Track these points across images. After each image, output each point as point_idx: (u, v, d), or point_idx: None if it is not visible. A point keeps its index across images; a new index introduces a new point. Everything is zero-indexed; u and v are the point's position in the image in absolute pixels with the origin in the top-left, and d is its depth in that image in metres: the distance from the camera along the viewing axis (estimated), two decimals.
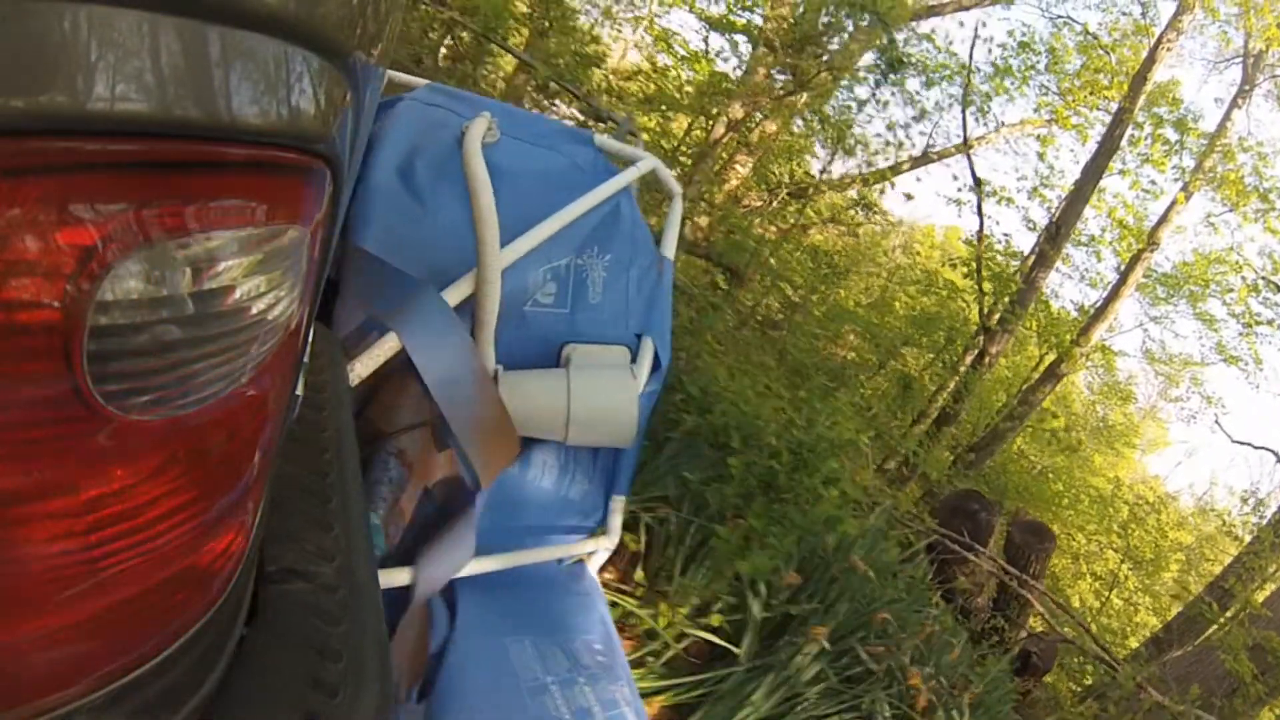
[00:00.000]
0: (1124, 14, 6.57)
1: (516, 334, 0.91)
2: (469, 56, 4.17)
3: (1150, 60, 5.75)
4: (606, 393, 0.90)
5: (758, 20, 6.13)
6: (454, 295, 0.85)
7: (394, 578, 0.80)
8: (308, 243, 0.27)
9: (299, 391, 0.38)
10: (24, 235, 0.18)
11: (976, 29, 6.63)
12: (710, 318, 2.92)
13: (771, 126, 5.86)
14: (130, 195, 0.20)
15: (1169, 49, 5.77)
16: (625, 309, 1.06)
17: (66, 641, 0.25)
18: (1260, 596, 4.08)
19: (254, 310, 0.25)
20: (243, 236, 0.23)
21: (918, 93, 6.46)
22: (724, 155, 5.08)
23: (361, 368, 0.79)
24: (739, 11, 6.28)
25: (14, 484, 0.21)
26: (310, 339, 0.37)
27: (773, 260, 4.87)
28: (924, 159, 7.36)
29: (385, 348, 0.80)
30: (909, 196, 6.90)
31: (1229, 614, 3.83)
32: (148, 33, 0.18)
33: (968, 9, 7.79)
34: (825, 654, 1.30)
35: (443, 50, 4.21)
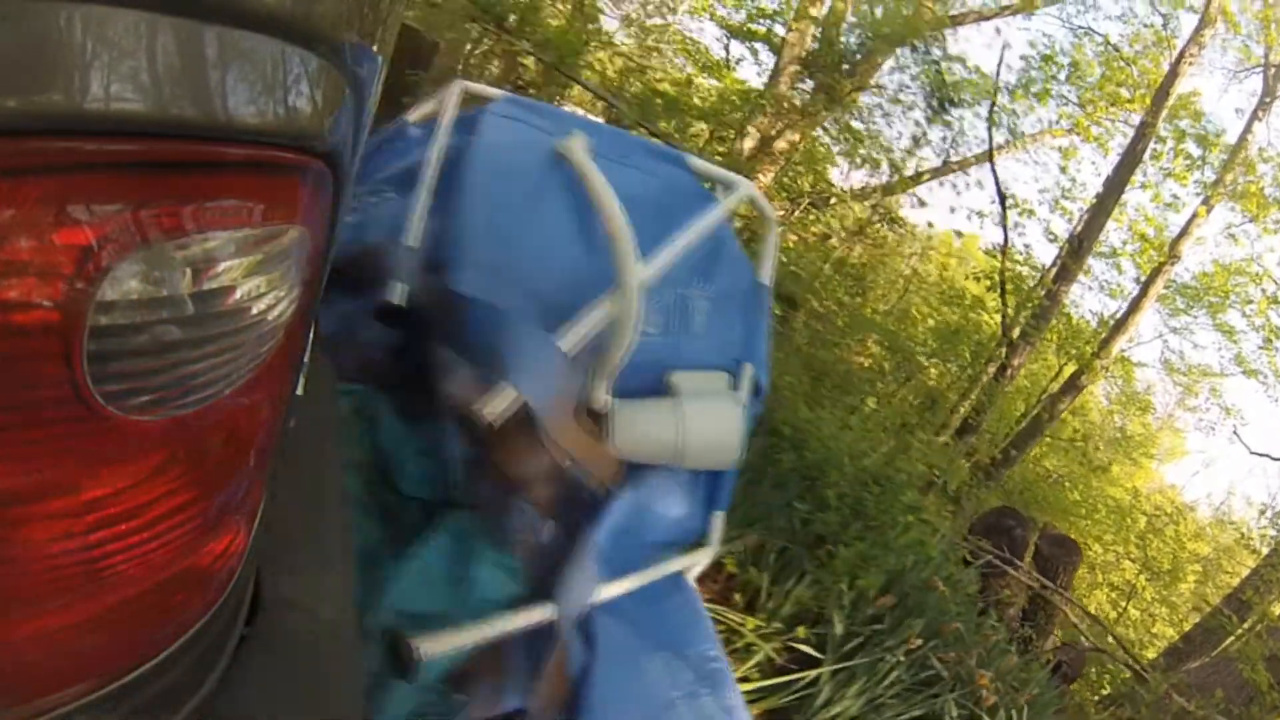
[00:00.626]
0: (1145, 25, 6.63)
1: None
2: (534, 85, 4.24)
3: (1172, 74, 5.83)
4: (716, 421, 0.94)
5: (778, 29, 6.41)
6: (579, 332, 0.85)
7: (537, 614, 0.84)
8: (308, 243, 0.26)
9: (299, 392, 0.38)
10: (24, 235, 0.18)
11: (1003, 51, 6.76)
12: (783, 349, 3.05)
13: (794, 136, 5.99)
14: (129, 195, 0.20)
15: (1190, 63, 5.83)
16: (726, 336, 1.08)
17: (66, 641, 0.25)
18: (1278, 609, 4.16)
19: (254, 310, 0.25)
20: (242, 237, 0.23)
21: (948, 116, 6.64)
22: (752, 166, 5.22)
23: (489, 417, 0.80)
24: (760, 20, 6.46)
25: (14, 484, 0.21)
26: (310, 340, 0.37)
27: (799, 271, 4.96)
28: (944, 169, 7.42)
29: (507, 399, 0.81)
30: (922, 203, 6.99)
31: (1246, 626, 3.89)
32: (145, 33, 0.18)
33: (988, 19, 7.83)
34: (901, 662, 1.46)
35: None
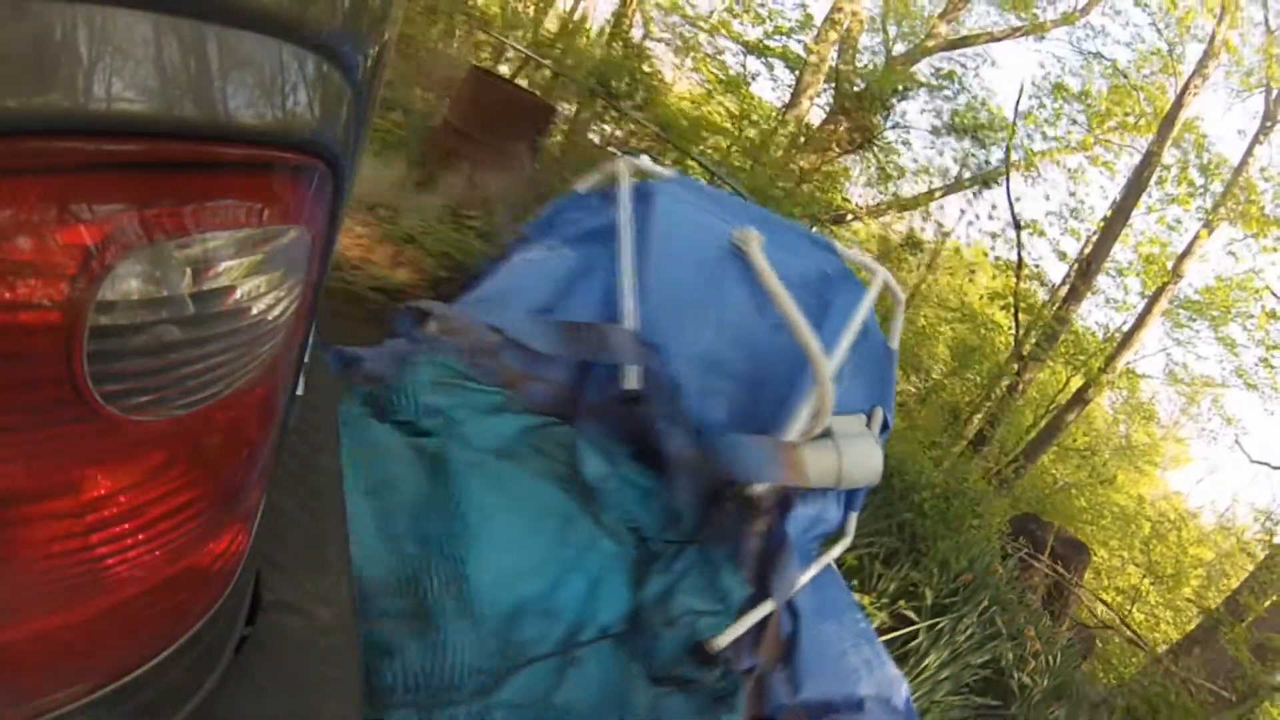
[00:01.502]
0: (1151, 52, 6.99)
1: None
2: (646, 150, 4.67)
3: (1177, 105, 6.25)
4: (864, 454, 1.30)
5: (795, 47, 6.82)
6: (796, 427, 1.24)
7: (767, 605, 1.18)
8: (308, 243, 0.26)
9: (299, 391, 0.38)
10: (24, 235, 0.18)
11: (1020, 90, 7.51)
12: None
13: (814, 157, 6.31)
14: (130, 196, 0.20)
15: (1195, 94, 6.24)
16: (864, 388, 1.45)
17: (66, 641, 0.25)
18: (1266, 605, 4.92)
19: (254, 310, 0.25)
20: (242, 237, 0.23)
21: (969, 153, 7.23)
22: (775, 183, 5.62)
23: (757, 494, 1.22)
24: (776, 37, 6.88)
25: (14, 484, 0.21)
26: (310, 340, 0.37)
27: None
28: (957, 185, 7.71)
29: (763, 487, 1.22)
30: (929, 216, 7.34)
31: (1243, 624, 4.37)
32: (146, 33, 0.18)
33: (999, 40, 8.10)
34: (974, 622, 2.16)
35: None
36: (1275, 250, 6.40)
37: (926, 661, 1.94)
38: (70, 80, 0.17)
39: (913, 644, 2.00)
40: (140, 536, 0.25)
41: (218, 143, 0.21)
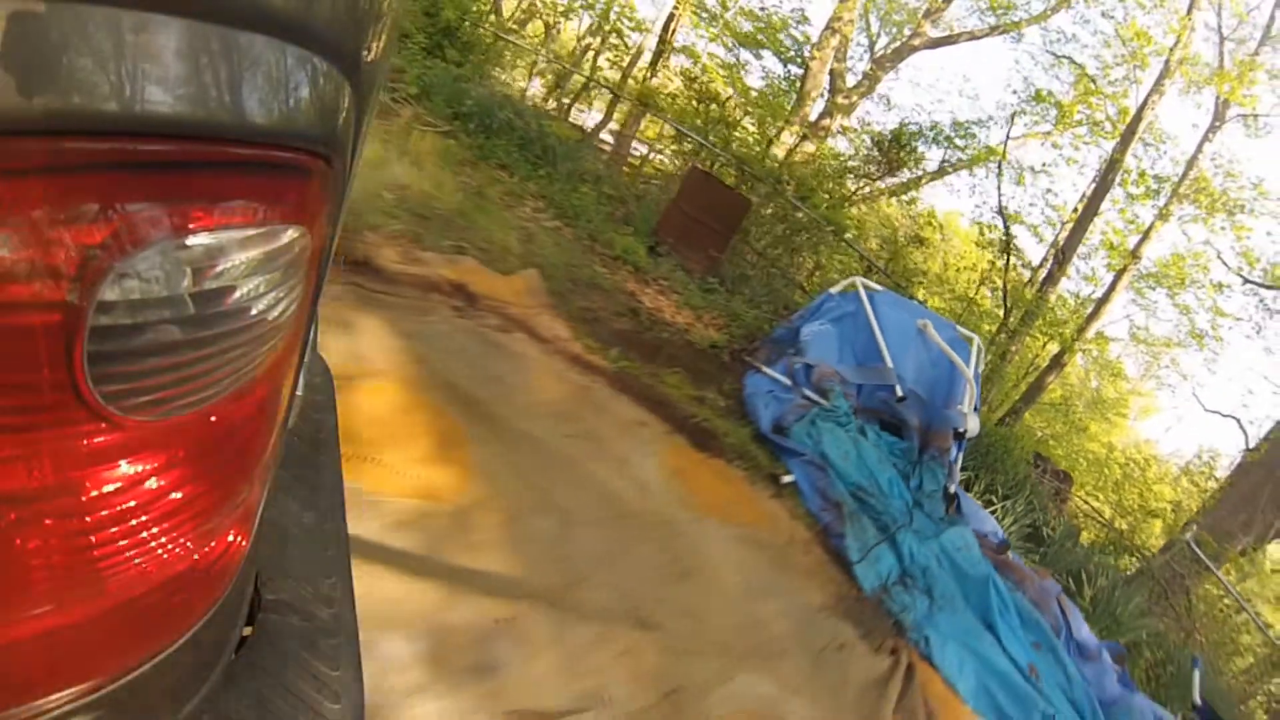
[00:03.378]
0: (1117, 63, 8.39)
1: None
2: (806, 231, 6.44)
3: (1137, 118, 7.74)
4: (978, 419, 3.26)
5: (784, 39, 7.75)
6: (972, 423, 3.14)
7: (950, 487, 3.01)
8: (308, 243, 0.26)
9: (299, 392, 0.38)
10: (24, 235, 0.18)
11: (1009, 123, 8.50)
12: None
13: (811, 148, 7.41)
14: (130, 195, 0.19)
15: (1153, 108, 7.71)
16: (949, 401, 3.21)
17: (67, 641, 0.25)
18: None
19: (254, 310, 0.24)
20: (243, 236, 0.23)
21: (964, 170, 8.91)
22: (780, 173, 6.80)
23: (971, 432, 3.22)
24: (768, 33, 8.18)
25: (14, 484, 0.21)
26: (311, 340, 0.37)
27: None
28: (940, 172, 9.02)
29: (973, 427, 3.20)
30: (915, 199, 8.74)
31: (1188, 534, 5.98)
32: (148, 33, 0.18)
33: (979, 39, 9.10)
34: (1022, 505, 4.24)
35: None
36: (1224, 230, 8.02)
37: (1004, 521, 3.87)
38: (70, 80, 0.17)
39: (994, 512, 3.89)
40: (140, 536, 0.25)
41: (218, 142, 0.21)
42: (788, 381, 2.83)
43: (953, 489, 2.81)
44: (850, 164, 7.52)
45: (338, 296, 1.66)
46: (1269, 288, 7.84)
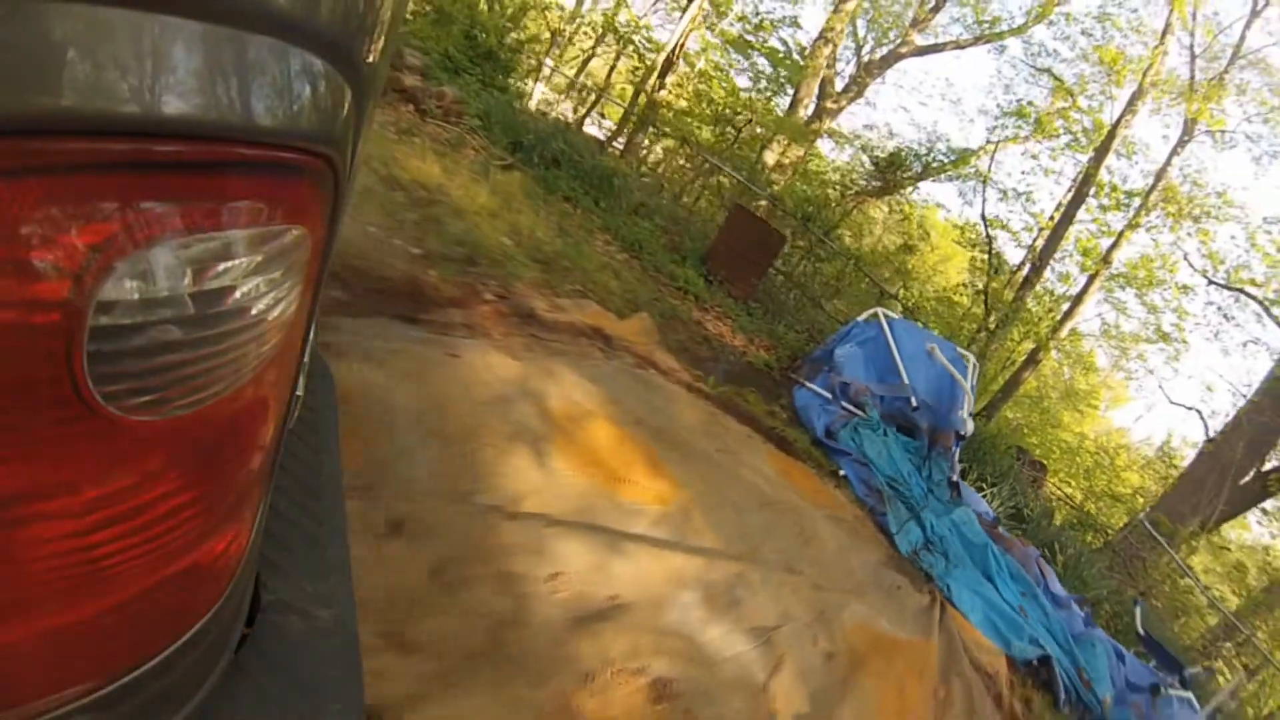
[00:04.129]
0: (1092, 81, 9.41)
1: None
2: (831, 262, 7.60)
3: (1111, 135, 8.58)
4: (970, 420, 4.15)
5: (776, 44, 8.20)
6: (967, 424, 4.02)
7: (953, 476, 3.86)
8: (308, 243, 0.26)
9: (299, 392, 0.38)
10: (24, 235, 0.18)
11: (992, 158, 9.33)
12: None
13: (799, 152, 7.86)
14: (131, 195, 0.19)
15: (1126, 126, 8.55)
16: (952, 409, 4.03)
17: (66, 641, 0.25)
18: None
19: (254, 310, 0.24)
20: (243, 237, 0.23)
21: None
22: (768, 177, 7.68)
23: (967, 431, 4.13)
24: (757, 34, 8.79)
25: (14, 484, 0.21)
26: (311, 340, 0.37)
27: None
28: (924, 174, 9.76)
29: (968, 428, 4.17)
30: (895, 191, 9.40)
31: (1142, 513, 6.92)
32: (148, 34, 0.18)
33: (964, 48, 9.64)
34: (1008, 489, 4.94)
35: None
36: (1190, 236, 8.91)
37: (993, 503, 4.44)
38: (71, 80, 0.17)
39: (985, 496, 4.49)
40: (140, 536, 0.25)
41: (219, 143, 0.21)
42: (829, 396, 3.64)
43: (954, 478, 3.69)
44: (852, 179, 8.55)
45: (530, 347, 2.15)
46: (1230, 289, 8.62)
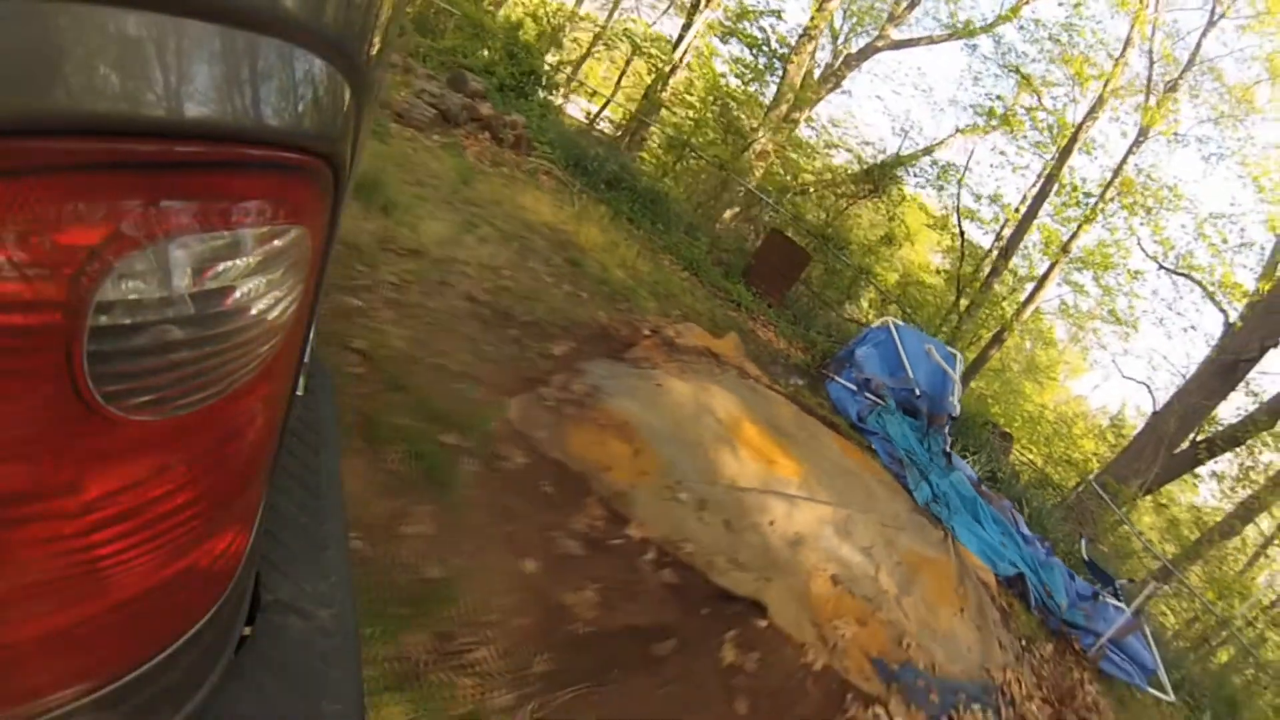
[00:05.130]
0: (1059, 84, 10.22)
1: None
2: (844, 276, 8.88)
3: (1073, 141, 9.44)
4: (959, 403, 5.32)
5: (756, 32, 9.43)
6: (956, 405, 5.11)
7: (946, 449, 5.03)
8: (308, 243, 0.26)
9: (299, 392, 0.37)
10: (24, 235, 0.18)
11: (970, 156, 10.60)
12: None
13: (781, 138, 8.23)
14: (130, 195, 0.19)
15: (1087, 131, 9.37)
16: (945, 396, 5.12)
17: (66, 641, 0.25)
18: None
19: (254, 310, 0.24)
20: (243, 236, 0.23)
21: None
22: (751, 164, 8.31)
23: (955, 412, 5.33)
24: (742, 23, 9.26)
25: (14, 484, 0.21)
26: (311, 339, 0.37)
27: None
28: (898, 163, 10.43)
29: (955, 409, 5.30)
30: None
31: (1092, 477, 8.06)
32: (148, 34, 0.18)
33: (938, 43, 10.20)
34: (983, 455, 6.02)
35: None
36: (1143, 226, 9.91)
37: (975, 468, 5.06)
38: (71, 80, 0.17)
39: (969, 463, 5.13)
40: (140, 536, 0.25)
41: (219, 143, 0.21)
42: (854, 388, 4.72)
43: (947, 449, 4.82)
44: (842, 182, 9.50)
45: (683, 370, 2.90)
46: (1178, 274, 9.49)
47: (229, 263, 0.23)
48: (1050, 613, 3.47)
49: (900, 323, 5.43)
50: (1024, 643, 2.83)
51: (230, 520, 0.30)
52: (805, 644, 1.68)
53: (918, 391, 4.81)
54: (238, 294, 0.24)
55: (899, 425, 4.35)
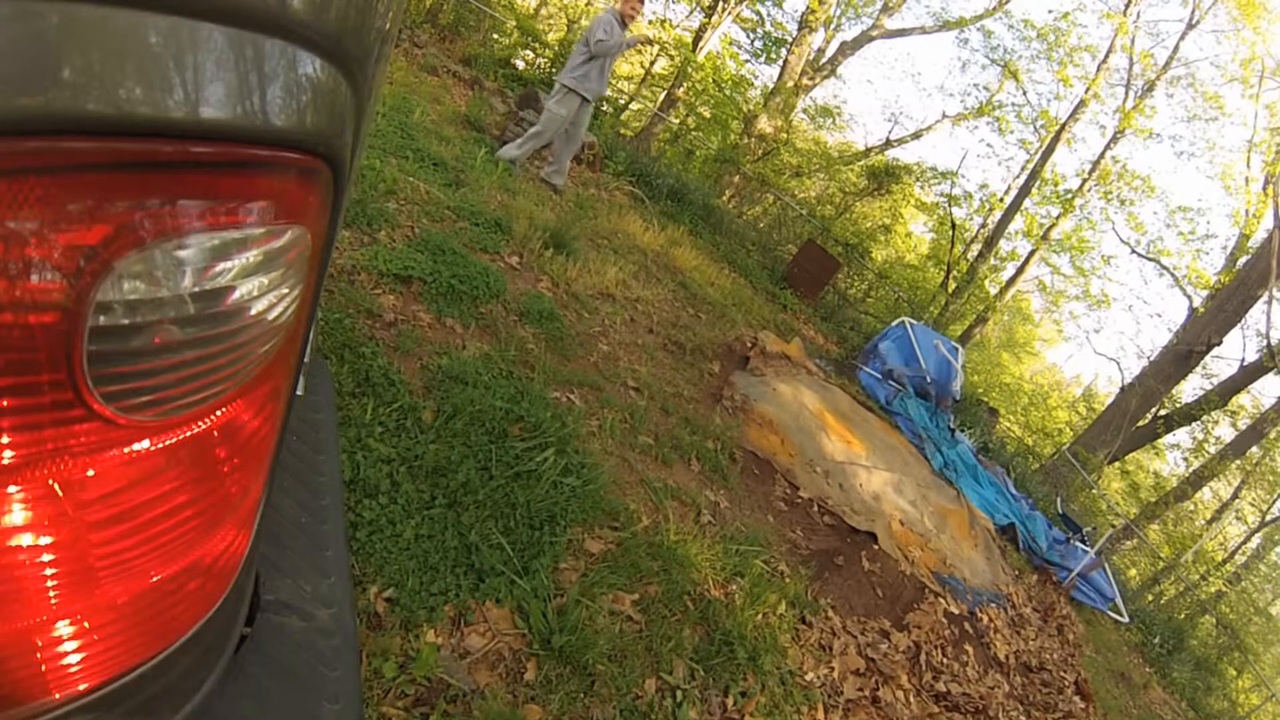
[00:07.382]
0: (1043, 83, 11.44)
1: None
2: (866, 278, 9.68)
3: (1055, 140, 10.05)
4: (962, 387, 6.13)
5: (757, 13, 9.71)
6: (957, 389, 5.84)
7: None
8: (308, 243, 0.26)
9: (299, 391, 0.37)
10: (24, 235, 0.18)
11: (963, 156, 12.42)
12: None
13: (779, 121, 8.36)
14: (130, 196, 0.19)
15: (1069, 130, 9.95)
16: (950, 383, 5.76)
17: (67, 641, 0.24)
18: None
19: (254, 310, 0.24)
20: (243, 237, 0.23)
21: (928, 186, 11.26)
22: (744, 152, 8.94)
23: (958, 395, 6.07)
24: (748, 9, 9.49)
25: (14, 484, 0.21)
26: (311, 339, 0.36)
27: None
28: (887, 145, 11.03)
29: (957, 391, 5.98)
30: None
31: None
32: (148, 34, 0.18)
33: (929, 33, 10.53)
34: (977, 425, 6.79)
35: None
36: (1117, 215, 10.83)
37: (970, 440, 5.69)
38: (71, 80, 0.17)
39: (966, 435, 5.76)
40: (141, 536, 0.25)
41: (219, 142, 0.21)
42: (879, 377, 5.48)
43: (952, 427, 5.62)
44: (849, 187, 10.11)
45: (779, 373, 3.61)
46: (1149, 259, 10.37)
47: (229, 263, 0.23)
48: (1034, 553, 4.53)
49: (914, 321, 6.35)
50: (1017, 573, 3.81)
51: (230, 520, 0.30)
52: (897, 559, 2.59)
53: (929, 379, 5.75)
54: (238, 294, 0.23)
55: (916, 407, 5.23)
